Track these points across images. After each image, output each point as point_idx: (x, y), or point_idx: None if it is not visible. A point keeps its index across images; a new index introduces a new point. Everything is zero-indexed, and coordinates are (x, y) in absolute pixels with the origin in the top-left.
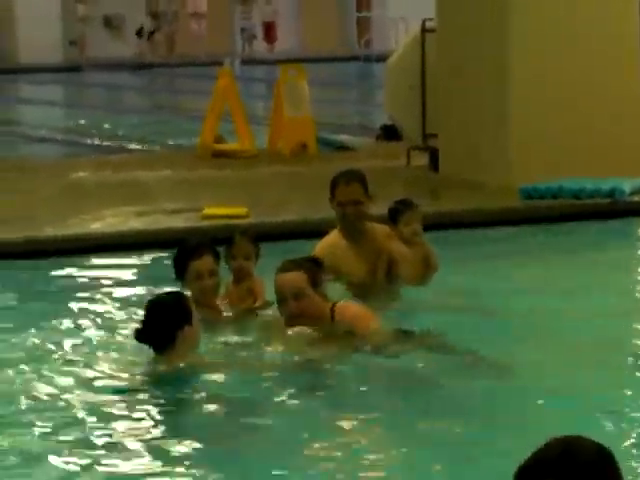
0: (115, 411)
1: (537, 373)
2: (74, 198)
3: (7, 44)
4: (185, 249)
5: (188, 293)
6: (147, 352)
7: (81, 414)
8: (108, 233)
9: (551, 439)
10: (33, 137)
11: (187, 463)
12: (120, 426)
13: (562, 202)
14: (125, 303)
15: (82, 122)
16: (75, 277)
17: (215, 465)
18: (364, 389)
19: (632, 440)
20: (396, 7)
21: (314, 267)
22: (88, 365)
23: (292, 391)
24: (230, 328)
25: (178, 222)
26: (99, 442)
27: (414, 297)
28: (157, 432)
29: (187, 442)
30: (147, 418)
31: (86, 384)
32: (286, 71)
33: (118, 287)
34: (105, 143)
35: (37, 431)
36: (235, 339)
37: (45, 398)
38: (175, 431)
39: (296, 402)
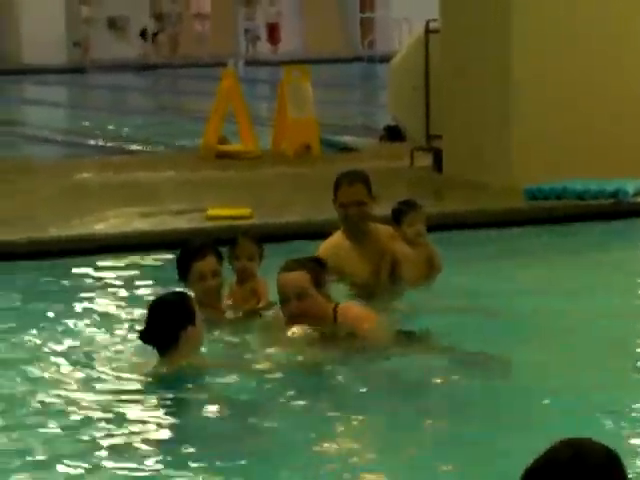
0: (118, 412)
1: (540, 374)
2: (78, 199)
3: (11, 45)
4: (188, 250)
5: (191, 294)
6: (151, 353)
7: (84, 415)
8: (112, 234)
9: (559, 442)
10: (37, 138)
11: (189, 464)
12: (123, 427)
13: (566, 203)
14: (129, 304)
15: (86, 123)
16: (78, 278)
17: (218, 465)
18: (367, 390)
19: (633, 440)
20: (400, 8)
21: (317, 267)
22: (92, 366)
23: (294, 392)
24: (233, 329)
25: (182, 223)
26: (102, 442)
27: (417, 298)
28: (160, 433)
29: (189, 443)
30: (150, 419)
31: (89, 385)
32: (290, 72)
33: (121, 288)
34: (109, 144)
35: (40, 431)
36: (238, 340)
37: (48, 399)
38: (178, 432)
39: (298, 403)
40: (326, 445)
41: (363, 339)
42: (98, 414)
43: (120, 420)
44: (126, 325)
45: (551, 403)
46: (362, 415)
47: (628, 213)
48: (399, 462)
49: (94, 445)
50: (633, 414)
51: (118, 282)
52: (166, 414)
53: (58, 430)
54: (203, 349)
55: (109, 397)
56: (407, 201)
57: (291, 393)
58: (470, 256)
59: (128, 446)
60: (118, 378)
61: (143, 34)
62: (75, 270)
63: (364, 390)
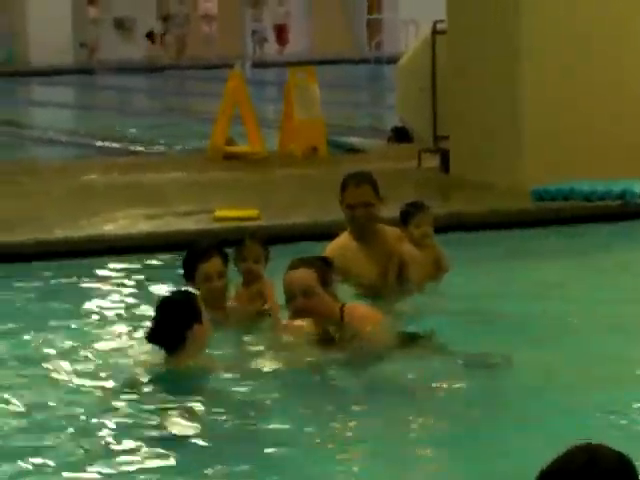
0: (124, 412)
1: (546, 375)
2: (85, 200)
3: (18, 46)
4: (194, 251)
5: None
6: (158, 353)
7: (90, 415)
8: (119, 235)
9: (575, 446)
10: (44, 139)
11: (192, 464)
12: (128, 427)
13: (573, 204)
14: (136, 305)
15: (93, 124)
16: (86, 279)
17: (222, 466)
18: (370, 392)
19: (636, 439)
20: (407, 9)
21: (324, 266)
22: (98, 367)
23: (298, 394)
24: (239, 330)
25: (189, 224)
26: (106, 441)
27: (424, 299)
28: (164, 433)
29: (193, 443)
30: (156, 419)
31: (95, 384)
32: (295, 74)
33: (129, 289)
34: (116, 145)
35: (44, 430)
36: (243, 341)
37: (54, 399)
38: (181, 432)
39: (302, 405)
40: (331, 445)
41: (368, 340)
42: (103, 414)
43: (125, 420)
44: (133, 325)
45: (557, 405)
46: (365, 417)
47: (635, 214)
48: (402, 463)
49: (98, 444)
50: (637, 414)
51: (126, 283)
52: (170, 414)
53: (63, 429)
54: (209, 350)
55: (114, 396)
56: (414, 202)
57: (295, 394)
58: (477, 257)
59: (132, 445)
60: (124, 378)
61: (149, 36)
62: (83, 271)
63: (367, 392)
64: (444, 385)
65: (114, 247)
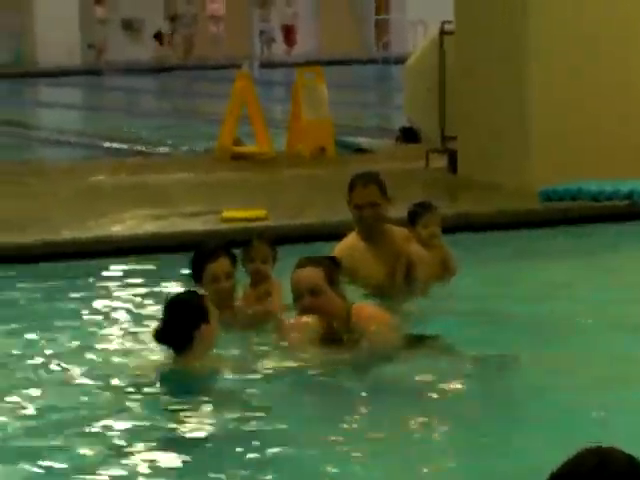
0: (131, 411)
1: (555, 376)
2: (93, 201)
3: (26, 47)
4: (202, 252)
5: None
6: (165, 353)
7: (96, 415)
8: (127, 236)
9: (586, 449)
10: (51, 140)
11: (200, 464)
12: (134, 427)
13: (581, 204)
14: (144, 306)
15: (101, 125)
16: (93, 280)
17: (229, 465)
18: (375, 393)
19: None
20: (415, 10)
21: (332, 265)
22: (105, 367)
23: (305, 394)
24: (246, 331)
25: (197, 225)
26: (114, 442)
27: (431, 300)
28: (172, 433)
29: (198, 443)
30: (162, 419)
31: (103, 385)
32: (303, 74)
33: (136, 290)
34: (124, 146)
35: (53, 430)
36: (251, 341)
37: (60, 399)
38: (189, 432)
39: (309, 405)
40: (335, 447)
41: (374, 341)
42: (109, 413)
43: (131, 419)
44: (141, 325)
45: (564, 405)
46: (370, 417)
47: None
48: (408, 463)
49: (104, 444)
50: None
51: (133, 284)
52: (177, 414)
53: (69, 429)
54: (216, 350)
55: (122, 396)
56: (422, 203)
57: (301, 395)
58: (484, 257)
59: (138, 445)
60: (132, 378)
61: (157, 36)
62: (90, 272)
63: (372, 392)
64: (450, 386)
65: (121, 248)
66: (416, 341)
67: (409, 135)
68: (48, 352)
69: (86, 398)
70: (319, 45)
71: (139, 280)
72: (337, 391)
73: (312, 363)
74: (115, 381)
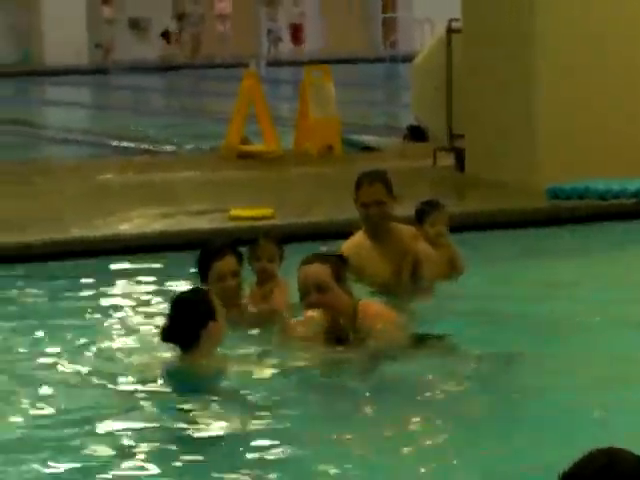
0: (137, 410)
1: (561, 376)
2: (100, 200)
3: (33, 46)
4: (208, 250)
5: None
6: (172, 351)
7: (103, 413)
8: (134, 234)
9: (596, 449)
10: (59, 139)
11: (206, 463)
12: (141, 425)
13: (588, 203)
14: (151, 304)
15: (108, 124)
16: (101, 279)
17: (234, 464)
18: (383, 392)
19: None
20: (422, 8)
21: (339, 262)
22: (111, 366)
23: (311, 393)
24: (253, 329)
25: (204, 223)
26: (119, 441)
27: (437, 298)
28: (178, 432)
29: (203, 443)
30: (169, 418)
31: (109, 384)
32: (310, 72)
33: (144, 289)
34: (131, 145)
35: (59, 428)
36: (257, 340)
37: (67, 398)
38: (195, 431)
39: (315, 404)
40: (343, 446)
41: (380, 339)
42: (115, 411)
43: (136, 418)
44: (148, 324)
45: (564, 405)
46: (375, 417)
47: None
48: (409, 464)
49: (111, 443)
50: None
51: (141, 282)
52: (182, 413)
53: (76, 427)
54: (223, 349)
55: (128, 395)
56: (430, 201)
57: (306, 395)
58: (492, 256)
59: (145, 445)
60: (138, 376)
61: (165, 35)
62: (98, 271)
63: (377, 392)
64: (454, 386)
65: (129, 246)
66: (421, 340)
67: (416, 133)
68: (54, 351)
69: (92, 396)
70: (326, 44)
71: (146, 278)
72: (342, 390)
73: (317, 362)
74: (121, 379)
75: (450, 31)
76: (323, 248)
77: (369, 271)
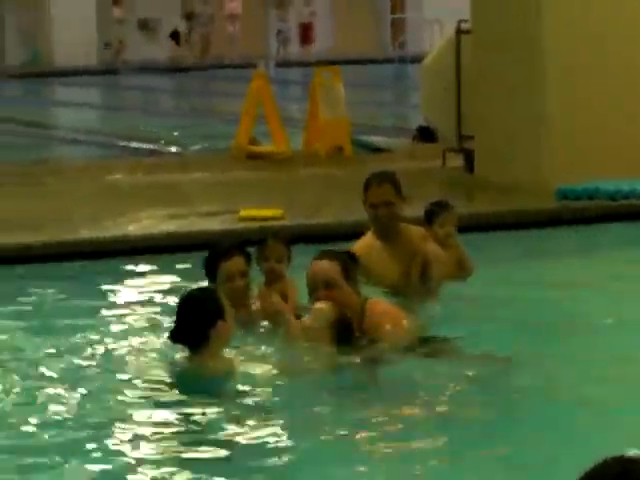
0: (146, 412)
1: (566, 378)
2: (109, 201)
3: (43, 47)
4: (216, 250)
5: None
6: (181, 351)
7: (110, 416)
8: (144, 235)
9: (611, 457)
10: (68, 140)
11: (210, 463)
12: (150, 427)
13: (598, 203)
14: (160, 305)
15: (117, 125)
16: (109, 280)
17: (242, 467)
18: (387, 394)
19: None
20: (431, 9)
21: (349, 260)
22: (120, 366)
23: (320, 394)
24: (261, 330)
25: (213, 224)
26: (124, 442)
27: (446, 299)
28: (183, 434)
29: (208, 443)
30: (176, 419)
31: (117, 386)
32: (320, 73)
33: (153, 290)
34: (140, 146)
35: (67, 428)
36: (266, 341)
37: (75, 398)
38: (197, 432)
39: (321, 405)
40: (349, 447)
41: (387, 340)
42: (123, 413)
43: (147, 419)
44: (157, 324)
45: (576, 408)
46: (379, 419)
47: None
48: (411, 465)
49: (117, 444)
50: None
51: (150, 283)
52: (190, 415)
53: (82, 429)
54: (231, 349)
55: (135, 397)
56: (439, 202)
57: (317, 395)
58: (501, 257)
59: (152, 446)
60: (146, 378)
61: (174, 36)
62: (107, 271)
63: (382, 394)
64: (458, 388)
65: (138, 247)
66: (425, 342)
67: (426, 134)
68: (63, 351)
69: (99, 398)
70: (335, 44)
71: (155, 279)
72: (347, 392)
73: (324, 364)
74: (130, 381)
75: (459, 32)
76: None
77: (378, 272)
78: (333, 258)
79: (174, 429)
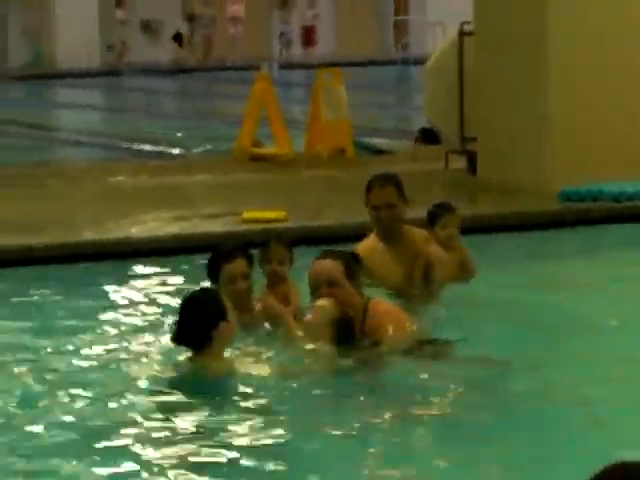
0: (149, 413)
1: (571, 382)
2: (113, 203)
3: (45, 48)
4: (218, 252)
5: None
6: (185, 354)
7: (115, 418)
8: (147, 238)
9: (618, 462)
10: (71, 141)
11: (209, 463)
12: (152, 428)
13: (601, 205)
14: (163, 307)
15: (120, 126)
16: (112, 282)
17: (245, 468)
18: (395, 395)
19: None
20: (434, 11)
21: (352, 260)
22: (123, 369)
23: (321, 395)
24: (263, 332)
25: (216, 226)
26: (130, 444)
27: (448, 301)
28: (189, 436)
29: (212, 443)
30: (178, 420)
31: (120, 388)
32: (322, 75)
33: (156, 292)
34: (143, 147)
35: (69, 430)
36: (267, 342)
37: (76, 402)
38: (202, 432)
39: (324, 406)
40: (355, 447)
41: (389, 345)
42: (126, 414)
43: (152, 420)
44: (159, 327)
45: (579, 409)
46: (383, 422)
47: None
48: (412, 466)
49: (117, 444)
50: None
51: (153, 285)
52: (192, 416)
53: (86, 431)
54: (233, 350)
55: (138, 398)
56: (442, 203)
57: (319, 396)
58: (503, 259)
59: (157, 446)
60: (150, 379)
61: (177, 38)
62: (110, 274)
63: (383, 397)
64: (459, 390)
65: (141, 250)
66: (427, 345)
67: (428, 136)
68: (66, 353)
69: (103, 400)
70: (338, 46)
71: (159, 282)
72: (347, 394)
73: (325, 366)
74: (133, 383)
75: (462, 34)
76: None
77: (381, 273)
78: (336, 257)
79: (177, 430)
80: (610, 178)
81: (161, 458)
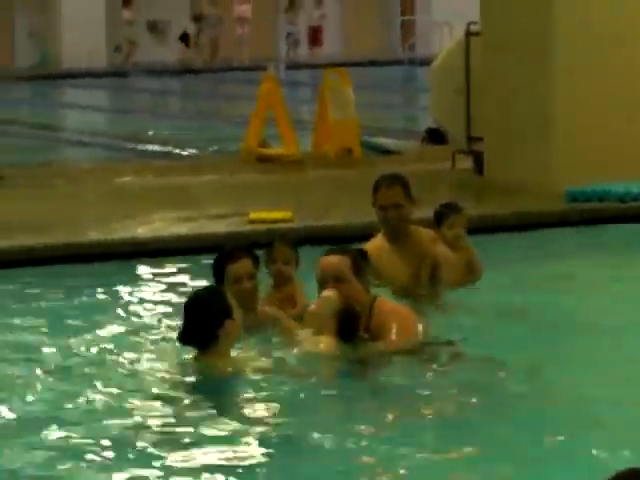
0: (154, 413)
1: (572, 382)
2: (118, 203)
3: (52, 49)
4: (224, 253)
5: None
6: (191, 353)
7: (120, 416)
8: (152, 238)
9: (628, 469)
10: (77, 142)
11: (212, 463)
12: (158, 427)
13: (607, 205)
14: (169, 307)
15: (126, 127)
16: (118, 282)
17: (248, 468)
18: (396, 396)
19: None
20: (440, 11)
21: (359, 256)
22: (129, 368)
23: (324, 396)
24: (268, 332)
25: (223, 227)
26: (134, 443)
27: (455, 301)
28: (193, 435)
29: (214, 444)
30: (182, 419)
31: (126, 387)
32: (329, 75)
33: (161, 292)
34: (149, 148)
35: (74, 430)
36: (273, 343)
37: (83, 401)
38: (204, 433)
39: (327, 406)
40: (358, 448)
41: (392, 344)
42: (137, 414)
43: (157, 421)
44: (165, 327)
45: (579, 410)
46: (385, 421)
47: None
48: (412, 467)
49: (128, 444)
50: None
51: (158, 286)
52: (198, 415)
53: (92, 429)
54: (239, 351)
55: (144, 398)
56: (449, 204)
57: (324, 397)
58: (510, 259)
59: (164, 447)
60: (156, 379)
61: (184, 38)
62: (115, 274)
63: (384, 398)
64: (459, 391)
65: (147, 250)
66: (430, 345)
67: (435, 136)
68: (72, 353)
69: (108, 400)
70: (345, 46)
71: (165, 282)
72: (350, 394)
73: (328, 366)
74: (139, 383)
75: (469, 34)
76: None
77: (388, 273)
78: (343, 253)
79: (182, 429)
80: (618, 178)
81: (167, 458)
